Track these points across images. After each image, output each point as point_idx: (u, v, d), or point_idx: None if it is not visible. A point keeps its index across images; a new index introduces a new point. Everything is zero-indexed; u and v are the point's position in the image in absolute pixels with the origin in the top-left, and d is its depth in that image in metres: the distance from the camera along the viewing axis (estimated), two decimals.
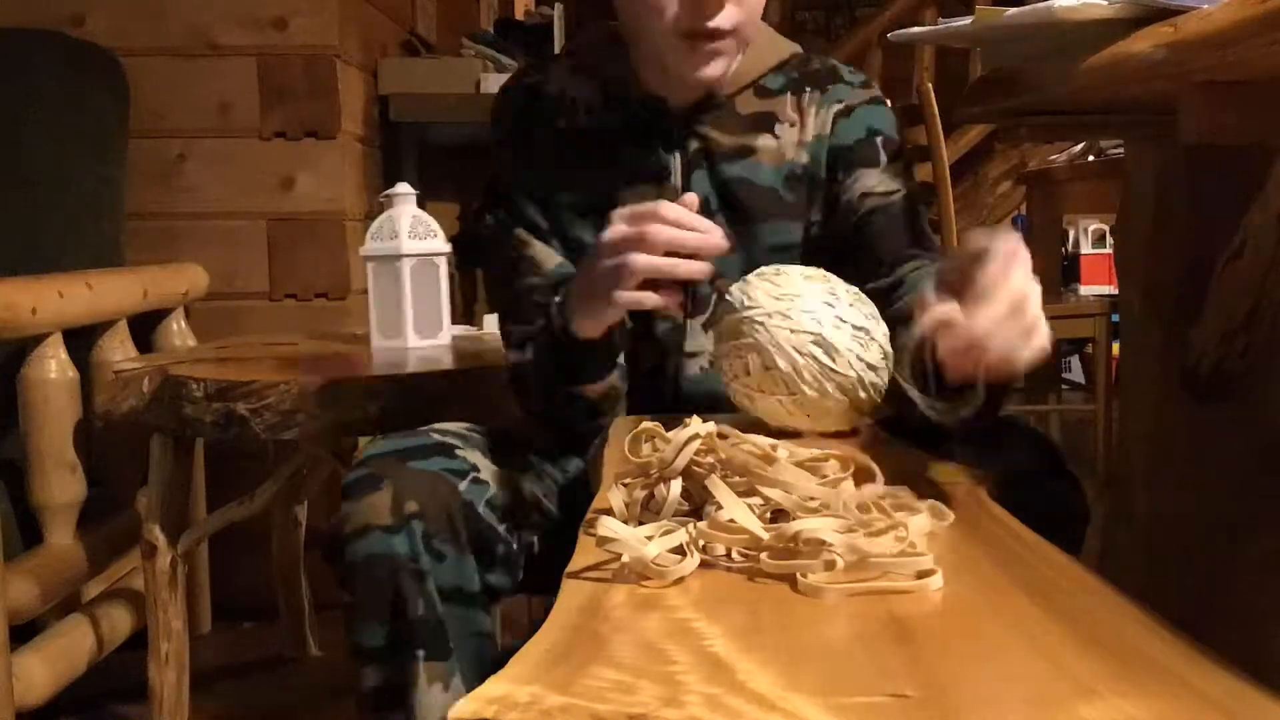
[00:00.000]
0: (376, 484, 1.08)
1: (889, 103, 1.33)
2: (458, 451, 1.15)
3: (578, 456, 1.24)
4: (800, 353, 1.02)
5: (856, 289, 1.08)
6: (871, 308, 1.07)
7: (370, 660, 1.11)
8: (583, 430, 1.21)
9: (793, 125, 1.27)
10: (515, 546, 1.17)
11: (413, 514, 1.06)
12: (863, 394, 1.04)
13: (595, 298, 1.10)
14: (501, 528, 1.15)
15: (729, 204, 1.25)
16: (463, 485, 1.12)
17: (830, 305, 1.03)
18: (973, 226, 4.84)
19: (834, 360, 1.02)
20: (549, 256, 1.25)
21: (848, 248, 1.26)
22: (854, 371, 1.02)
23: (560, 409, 1.22)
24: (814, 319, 1.02)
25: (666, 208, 1.05)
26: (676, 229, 1.04)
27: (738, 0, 1.15)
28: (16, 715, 1.64)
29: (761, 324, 1.03)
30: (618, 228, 1.06)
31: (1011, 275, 0.84)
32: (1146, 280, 1.52)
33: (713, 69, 1.18)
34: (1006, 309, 0.83)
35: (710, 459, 0.86)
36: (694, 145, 1.26)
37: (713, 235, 1.05)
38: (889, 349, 1.05)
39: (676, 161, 1.25)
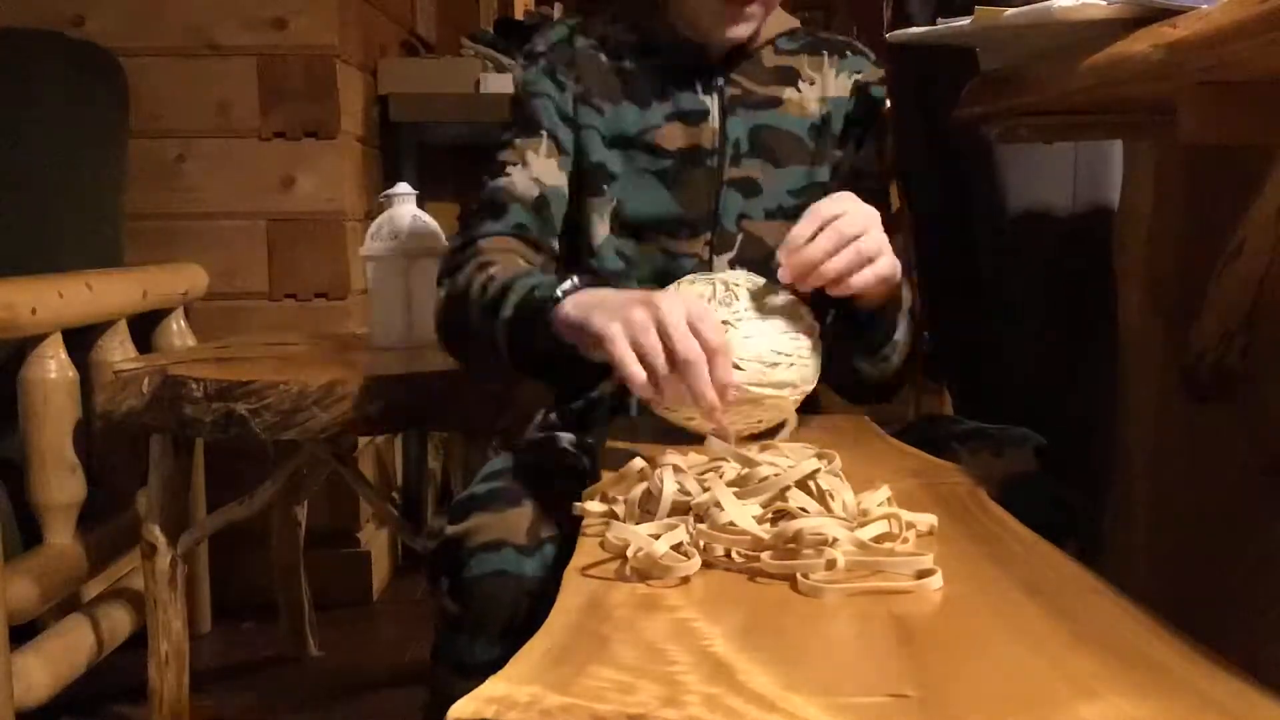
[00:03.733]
0: (516, 500, 1.03)
1: None
2: (588, 481, 1.12)
3: None
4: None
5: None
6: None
7: (473, 675, 1.05)
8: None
9: (812, 84, 1.37)
10: None
11: (549, 538, 1.01)
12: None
13: (602, 333, 0.99)
14: None
15: (758, 147, 1.33)
16: None
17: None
18: None
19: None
20: (550, 172, 1.30)
21: None
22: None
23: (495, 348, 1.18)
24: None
25: (721, 356, 0.96)
26: (707, 382, 0.95)
27: None
28: (16, 715, 1.64)
29: None
30: (679, 319, 0.96)
31: (818, 208, 1.07)
32: (1146, 280, 1.52)
33: (742, 29, 1.29)
34: (810, 226, 1.06)
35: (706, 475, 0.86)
36: (730, 91, 1.33)
37: (727, 393, 0.97)
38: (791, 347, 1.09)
39: (714, 103, 1.33)
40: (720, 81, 1.33)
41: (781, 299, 1.10)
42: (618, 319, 0.98)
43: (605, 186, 1.30)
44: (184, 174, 2.40)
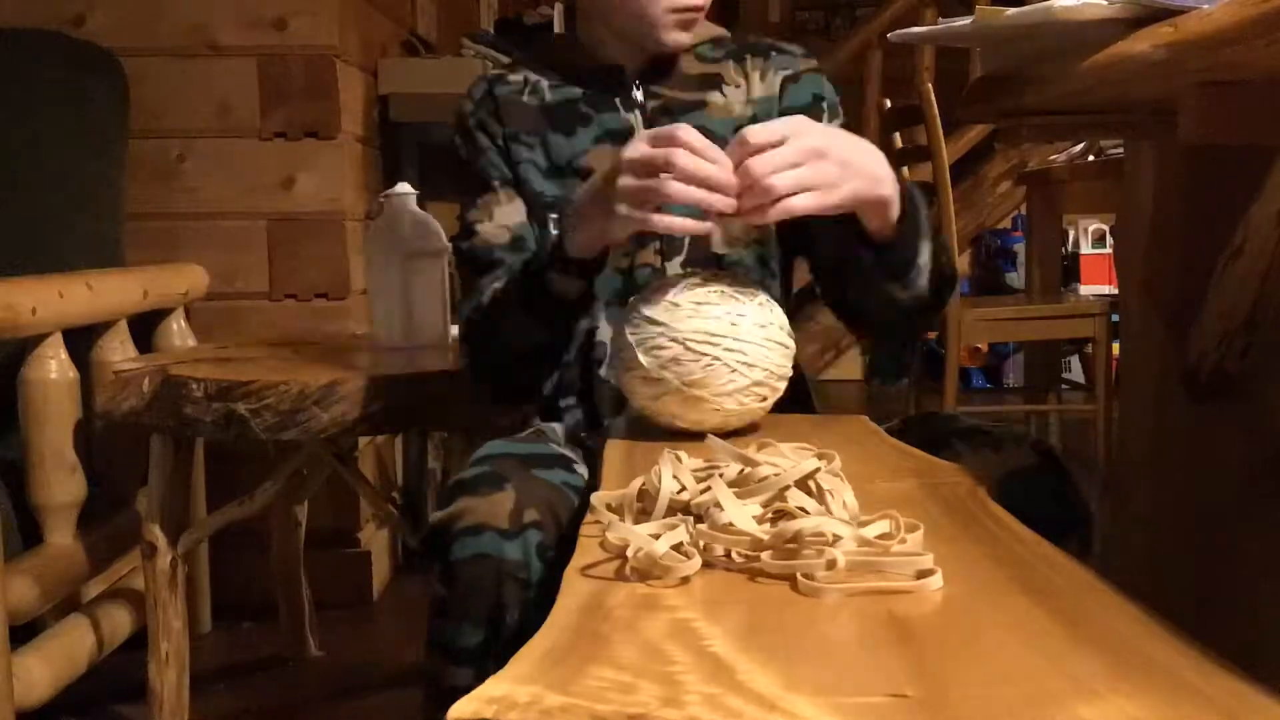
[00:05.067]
0: (500, 484, 1.04)
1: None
2: (575, 467, 1.15)
3: None
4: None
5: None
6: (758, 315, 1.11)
7: (459, 661, 1.07)
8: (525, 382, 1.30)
9: (737, 87, 1.37)
10: None
11: (531, 523, 1.03)
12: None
13: (609, 214, 1.10)
14: None
15: None
16: (579, 502, 1.10)
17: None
18: (973, 225, 4.85)
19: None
20: (513, 213, 1.33)
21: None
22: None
23: (518, 343, 1.26)
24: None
25: (691, 134, 1.06)
26: (700, 159, 1.05)
27: None
28: (16, 715, 1.64)
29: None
30: (642, 148, 1.07)
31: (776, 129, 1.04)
32: (1146, 280, 1.52)
33: (687, 36, 1.32)
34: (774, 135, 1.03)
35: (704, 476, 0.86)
36: (652, 103, 1.35)
37: (728, 170, 1.05)
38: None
39: (638, 118, 1.35)
40: (640, 96, 1.35)
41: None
42: (617, 196, 1.07)
43: (550, 218, 1.32)
44: (184, 174, 2.40)
